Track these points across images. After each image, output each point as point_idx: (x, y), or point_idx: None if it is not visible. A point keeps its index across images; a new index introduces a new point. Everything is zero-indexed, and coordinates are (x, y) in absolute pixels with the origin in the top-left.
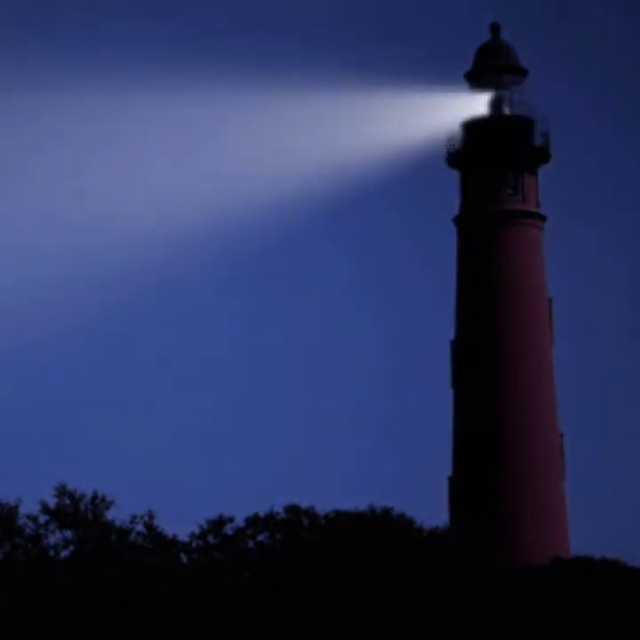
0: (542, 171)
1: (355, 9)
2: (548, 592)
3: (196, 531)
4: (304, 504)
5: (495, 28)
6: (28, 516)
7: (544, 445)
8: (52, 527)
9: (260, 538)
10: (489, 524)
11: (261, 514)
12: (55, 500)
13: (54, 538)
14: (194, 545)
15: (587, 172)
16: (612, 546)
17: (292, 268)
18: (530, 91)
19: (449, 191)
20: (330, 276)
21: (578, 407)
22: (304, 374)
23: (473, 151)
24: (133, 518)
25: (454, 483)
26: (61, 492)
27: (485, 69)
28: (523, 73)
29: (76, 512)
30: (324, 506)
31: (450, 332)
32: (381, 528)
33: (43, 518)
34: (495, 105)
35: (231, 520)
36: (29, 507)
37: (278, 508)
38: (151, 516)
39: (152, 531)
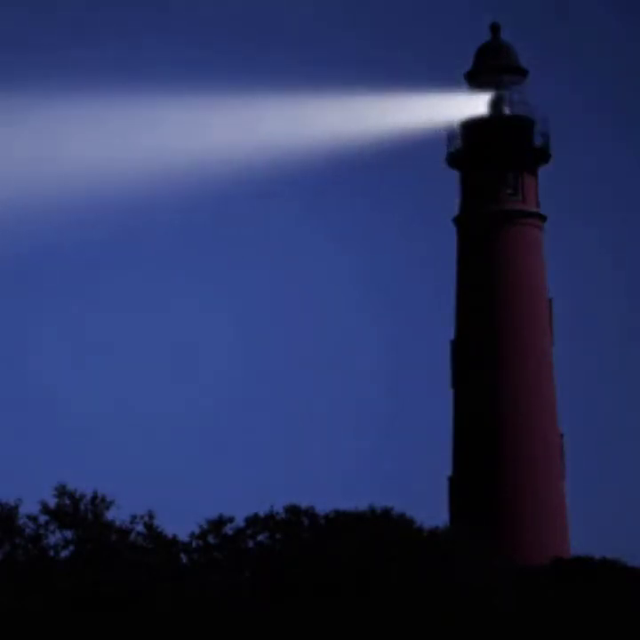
0: (542, 171)
1: (355, 9)
2: (548, 592)
3: (196, 531)
4: (304, 504)
5: (495, 28)
6: (28, 516)
7: (544, 445)
8: (52, 527)
9: (260, 538)
10: (489, 524)
11: (261, 514)
12: (55, 499)
13: (54, 538)
14: (194, 545)
15: (587, 172)
16: (611, 546)
17: (292, 268)
18: (530, 91)
19: (449, 191)
20: (330, 276)
21: (578, 407)
22: (304, 374)
23: (473, 151)
24: (133, 518)
25: (454, 483)
26: (61, 492)
27: (485, 69)
28: (523, 73)
29: (75, 512)
30: (323, 506)
31: (450, 332)
32: (381, 528)
33: (43, 518)
34: (495, 105)
35: (231, 520)
36: (29, 507)
37: (278, 508)
38: (151, 516)
39: (152, 531)
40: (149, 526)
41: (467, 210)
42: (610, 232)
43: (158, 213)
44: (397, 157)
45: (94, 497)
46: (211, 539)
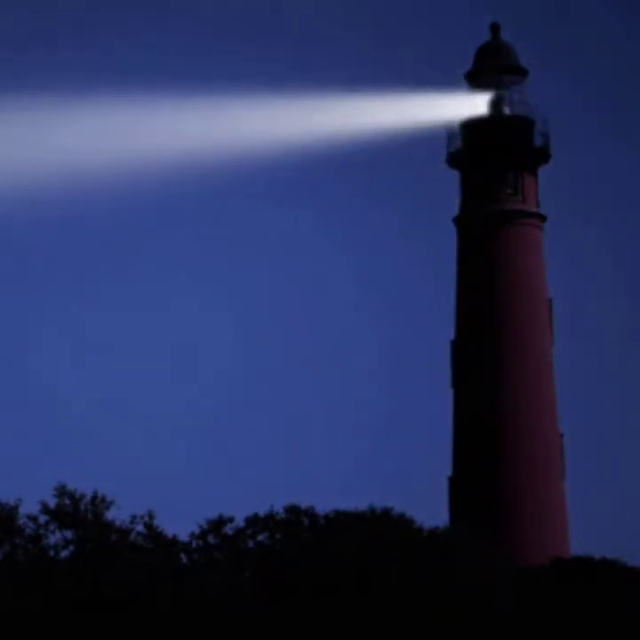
0: (542, 171)
1: (355, 9)
2: (548, 592)
3: (196, 531)
4: (304, 504)
5: (495, 28)
6: (28, 516)
7: (544, 445)
8: (52, 527)
9: (260, 538)
10: (489, 524)
11: (261, 514)
12: (55, 499)
13: (54, 538)
14: (194, 545)
15: (587, 172)
16: (612, 546)
17: (292, 268)
18: (530, 91)
19: (449, 191)
20: (330, 276)
21: (578, 407)
22: (304, 374)
23: (473, 151)
24: (133, 518)
25: (454, 483)
26: (61, 491)
27: (485, 69)
28: (523, 73)
29: (75, 512)
30: (323, 506)
31: (450, 332)
32: (381, 528)
33: (43, 518)
34: (495, 105)
35: (231, 520)
36: (29, 507)
37: (278, 508)
38: (151, 516)
39: (152, 531)
40: (149, 526)
41: (467, 210)
42: (610, 232)
43: (158, 212)
44: (397, 157)
45: (94, 497)
46: (211, 539)
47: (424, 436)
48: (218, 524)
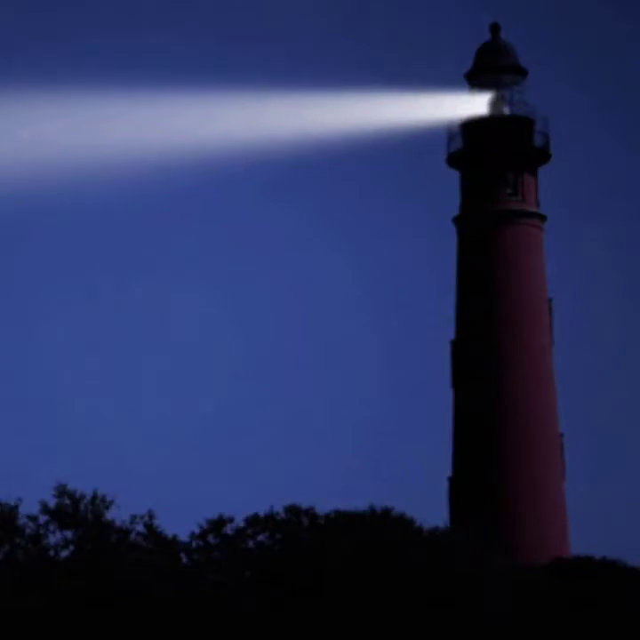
0: (542, 171)
1: (355, 9)
2: (548, 592)
3: (196, 531)
4: (304, 504)
5: (495, 28)
6: (28, 516)
7: (544, 445)
8: (52, 527)
9: (260, 538)
10: (489, 524)
11: (261, 514)
12: (55, 499)
13: (54, 538)
14: (194, 545)
15: (587, 172)
16: (611, 546)
17: (292, 267)
18: (530, 91)
19: (449, 191)
20: (330, 277)
21: (578, 407)
22: (304, 374)
23: (473, 151)
24: (133, 518)
25: (454, 483)
26: (61, 491)
27: (485, 69)
28: (523, 73)
29: (75, 512)
30: (323, 506)
31: (450, 332)
32: (381, 528)
33: (43, 518)
34: (495, 105)
35: (231, 520)
36: (29, 507)
37: (278, 508)
38: (151, 516)
39: (152, 531)
40: (149, 526)
41: (467, 210)
42: (610, 232)
43: (158, 210)
44: (398, 157)
45: (94, 497)
46: (211, 539)
47: (424, 436)
48: (218, 523)
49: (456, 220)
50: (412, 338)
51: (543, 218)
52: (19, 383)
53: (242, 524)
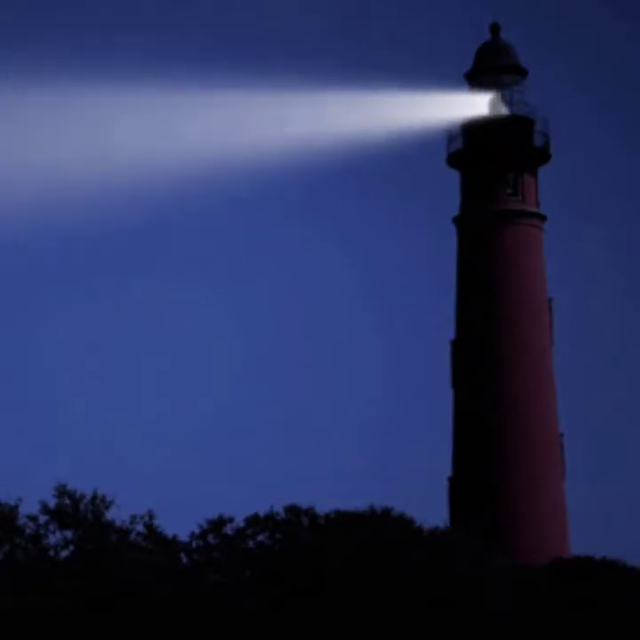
0: (542, 171)
1: (355, 9)
2: (548, 592)
3: (196, 531)
4: (304, 504)
5: (495, 28)
6: (28, 516)
7: (544, 445)
8: (52, 527)
9: (260, 538)
10: (489, 524)
11: (261, 514)
12: (55, 499)
13: (54, 538)
14: (194, 545)
15: (587, 172)
16: (611, 546)
17: (293, 267)
18: (530, 91)
19: (449, 191)
20: (330, 277)
21: (578, 407)
22: (304, 374)
23: (473, 151)
24: (133, 518)
25: (454, 483)
26: (61, 491)
27: (485, 69)
28: (523, 73)
29: (75, 512)
30: (323, 506)
31: (450, 332)
32: (381, 528)
33: (43, 518)
34: (495, 105)
35: (231, 520)
36: (29, 507)
37: (278, 508)
38: (151, 516)
39: (152, 531)
40: (149, 526)
41: (467, 210)
42: (610, 232)
43: (159, 211)
44: (397, 157)
45: (94, 497)
46: (211, 539)
47: (424, 436)
48: (218, 523)
49: (456, 220)
50: (412, 338)
51: (543, 218)
52: (19, 383)
53: (242, 524)
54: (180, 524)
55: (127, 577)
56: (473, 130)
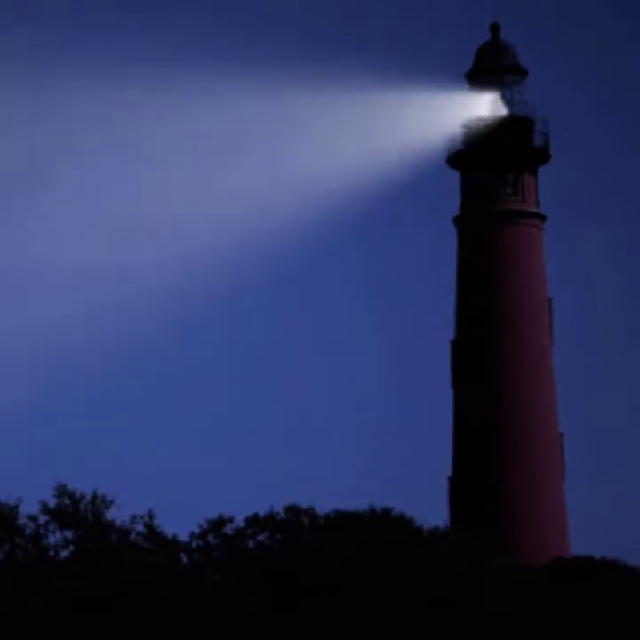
0: (542, 171)
1: (354, 9)
2: (548, 592)
3: (196, 531)
4: (304, 504)
5: (495, 28)
6: (28, 516)
7: (544, 445)
8: (52, 527)
9: (260, 538)
10: (489, 524)
11: (261, 514)
12: (55, 499)
13: (54, 538)
14: (194, 545)
15: (587, 172)
16: (612, 546)
17: (292, 268)
18: (530, 91)
19: (449, 191)
20: (330, 276)
21: (578, 407)
22: (304, 374)
23: (473, 151)
24: (133, 518)
25: (454, 483)
26: (61, 491)
27: (485, 69)
28: (523, 73)
29: (75, 512)
30: (323, 506)
31: (450, 332)
32: (381, 528)
33: (43, 518)
34: (495, 105)
35: (231, 520)
36: (29, 507)
37: (278, 508)
38: (151, 516)
39: (152, 531)
40: (149, 526)
41: (467, 210)
42: (610, 232)
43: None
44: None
45: (94, 497)
46: (211, 539)
47: (424, 436)
48: (218, 523)
49: (456, 220)
50: (412, 338)
51: (543, 218)
52: (19, 383)
53: (242, 524)
54: (180, 524)
55: (127, 577)
56: (473, 130)
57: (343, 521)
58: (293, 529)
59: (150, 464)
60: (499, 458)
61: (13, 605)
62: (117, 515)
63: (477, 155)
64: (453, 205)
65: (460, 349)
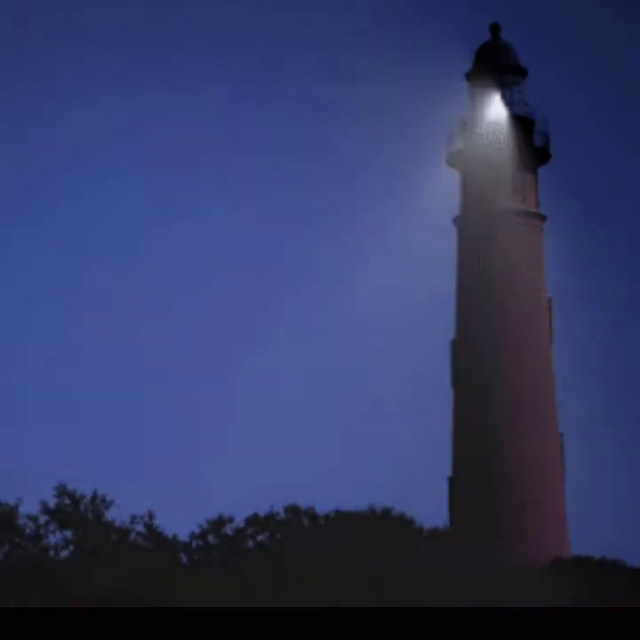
0: (542, 170)
1: (354, 9)
2: (548, 592)
3: (196, 531)
4: (304, 504)
5: (495, 28)
6: (28, 516)
7: (544, 445)
8: (51, 527)
9: (260, 538)
10: (489, 524)
11: (261, 514)
12: (55, 499)
13: (54, 538)
14: (194, 545)
15: (587, 172)
16: (612, 546)
17: (293, 267)
18: (530, 91)
19: (449, 191)
20: (331, 276)
21: (578, 407)
22: (304, 374)
23: (473, 151)
24: (133, 518)
25: (454, 483)
26: (61, 491)
27: (485, 69)
28: (523, 73)
29: (76, 512)
30: (323, 506)
31: (450, 332)
32: (381, 528)
33: (43, 518)
34: (496, 105)
35: (231, 520)
36: (29, 507)
37: (278, 508)
38: (151, 516)
39: (152, 531)
40: (149, 526)
41: (467, 210)
42: (610, 232)
43: (156, 209)
44: (398, 157)
45: (94, 497)
46: (211, 539)
47: (424, 436)
48: (218, 523)
49: (456, 220)
50: (412, 338)
51: (543, 218)
52: (19, 383)
53: (242, 524)
54: (180, 524)
55: (126, 577)
56: (473, 130)
57: (343, 521)
58: (293, 529)
59: (150, 464)
60: (499, 458)
61: (13, 605)
62: (117, 515)
63: (477, 154)
64: (453, 205)
65: (460, 349)
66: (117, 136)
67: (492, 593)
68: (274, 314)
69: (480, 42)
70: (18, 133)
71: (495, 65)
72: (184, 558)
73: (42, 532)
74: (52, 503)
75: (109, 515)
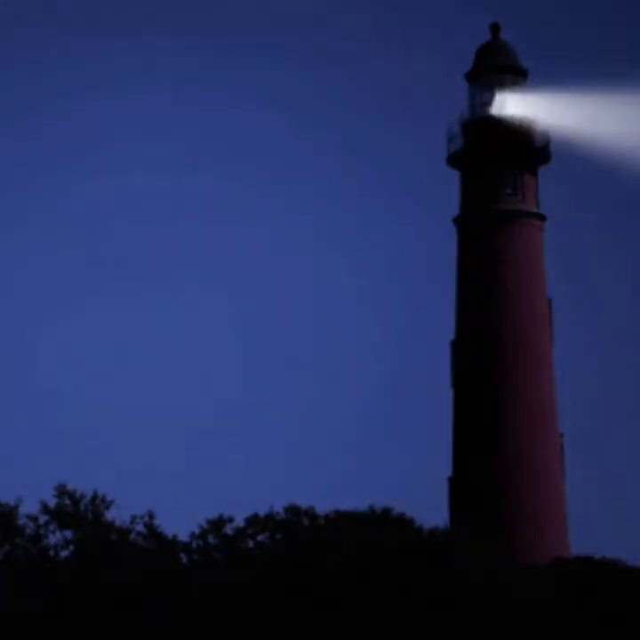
0: (542, 171)
1: (354, 9)
2: (548, 592)
3: (196, 531)
4: (304, 504)
5: (495, 28)
6: (28, 516)
7: (544, 445)
8: (51, 527)
9: (260, 538)
10: (489, 524)
11: (261, 514)
12: (55, 499)
13: (54, 538)
14: (194, 545)
15: (587, 172)
16: (612, 546)
17: (292, 267)
18: (530, 91)
19: (449, 191)
20: (331, 276)
21: (578, 407)
22: (304, 374)
23: (473, 151)
24: (133, 518)
25: (454, 483)
26: (61, 491)
27: (485, 69)
28: (523, 73)
29: (76, 512)
30: (323, 506)
31: (450, 332)
32: (381, 528)
33: (43, 518)
34: (496, 105)
35: (231, 520)
36: (29, 507)
37: (278, 508)
38: (151, 516)
39: (152, 531)
40: (149, 526)
41: (467, 210)
42: (610, 232)
43: (157, 211)
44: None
45: (94, 497)
46: (211, 539)
47: (424, 436)
48: (218, 523)
49: (456, 220)
50: (412, 338)
51: (543, 218)
52: (19, 383)
53: (242, 524)
54: (180, 524)
55: (127, 577)
56: (473, 130)
57: (343, 521)
58: (293, 529)
59: (150, 464)
60: (499, 458)
61: (14, 606)
62: (117, 515)
63: (477, 154)
64: (453, 205)
65: (460, 349)
66: (118, 136)
67: (492, 593)
68: (274, 314)
69: (480, 42)
70: (18, 133)
71: (495, 65)
72: (184, 558)
73: (42, 531)
74: (52, 503)
75: (109, 515)
